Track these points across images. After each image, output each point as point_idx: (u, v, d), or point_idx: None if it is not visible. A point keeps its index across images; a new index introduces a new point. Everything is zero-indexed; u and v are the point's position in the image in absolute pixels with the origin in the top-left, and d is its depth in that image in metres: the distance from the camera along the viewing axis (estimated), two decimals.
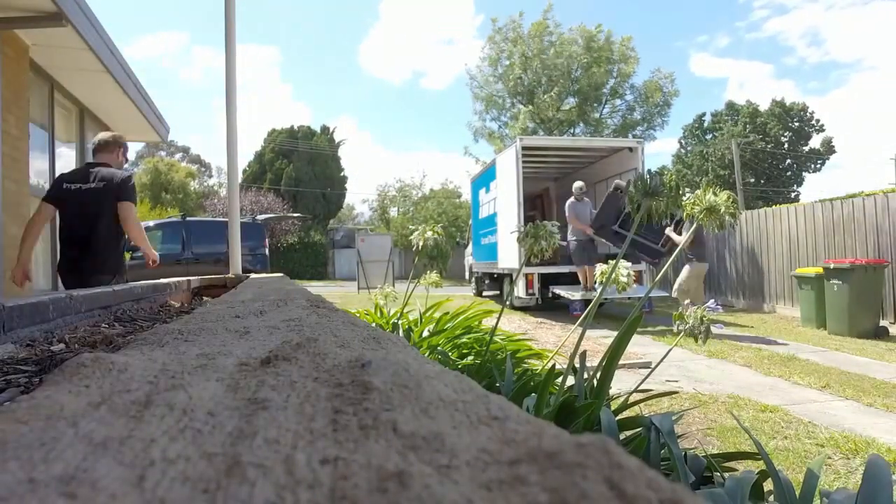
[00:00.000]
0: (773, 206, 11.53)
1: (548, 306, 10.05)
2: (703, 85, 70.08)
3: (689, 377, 4.94)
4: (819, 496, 1.34)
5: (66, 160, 6.01)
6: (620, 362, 2.64)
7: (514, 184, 9.51)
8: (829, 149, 33.63)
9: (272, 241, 23.87)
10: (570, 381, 2.02)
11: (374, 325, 1.63)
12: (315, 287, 14.59)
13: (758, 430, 3.43)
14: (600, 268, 2.46)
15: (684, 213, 2.10)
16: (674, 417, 1.74)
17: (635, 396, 2.22)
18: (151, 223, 12.27)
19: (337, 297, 12.03)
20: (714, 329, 2.15)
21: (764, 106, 33.78)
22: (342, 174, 32.89)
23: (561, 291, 9.14)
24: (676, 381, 4.73)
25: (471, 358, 2.97)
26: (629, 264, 2.48)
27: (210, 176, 41.73)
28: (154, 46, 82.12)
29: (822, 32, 74.77)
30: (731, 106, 35.38)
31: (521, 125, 22.11)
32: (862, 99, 76.26)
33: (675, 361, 5.39)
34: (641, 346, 6.22)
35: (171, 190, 34.42)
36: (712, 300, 2.27)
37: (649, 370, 2.32)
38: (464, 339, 3.23)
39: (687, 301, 7.45)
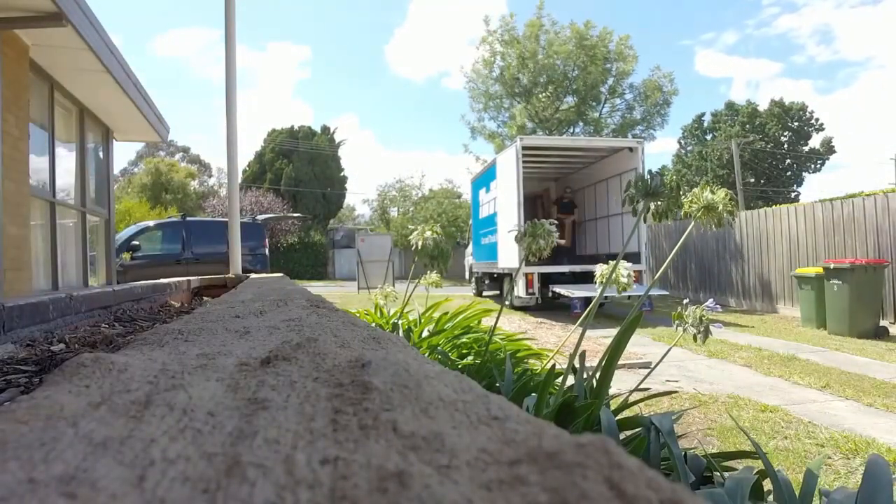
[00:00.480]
0: (773, 206, 11.53)
1: (548, 306, 10.05)
2: (710, 84, 69.87)
3: (689, 377, 4.94)
4: (819, 496, 1.34)
5: (66, 160, 6.01)
6: (620, 362, 2.64)
7: (514, 184, 9.51)
8: (828, 149, 33.64)
9: (272, 241, 23.90)
10: (570, 381, 2.02)
11: (374, 325, 1.63)
12: (315, 287, 14.59)
13: (758, 430, 3.43)
14: (600, 268, 2.45)
15: (683, 213, 2.09)
16: (674, 417, 1.74)
17: (635, 396, 2.22)
18: (151, 223, 12.28)
19: (337, 297, 12.03)
20: (713, 329, 2.15)
21: (764, 105, 33.82)
22: (342, 174, 32.90)
23: (561, 290, 9.14)
24: (676, 381, 4.73)
25: (471, 358, 2.97)
26: (629, 264, 2.48)
27: (210, 176, 41.76)
28: (183, 43, 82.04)
29: (834, 30, 74.49)
30: (730, 106, 35.38)
31: (519, 124, 22.10)
32: (867, 98, 76.15)
33: (675, 361, 5.39)
34: (641, 346, 6.22)
35: (172, 190, 34.43)
36: (710, 300, 2.27)
37: (649, 370, 2.32)
38: (463, 339, 3.23)
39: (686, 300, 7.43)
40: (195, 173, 39.65)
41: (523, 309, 10.13)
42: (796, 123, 33.21)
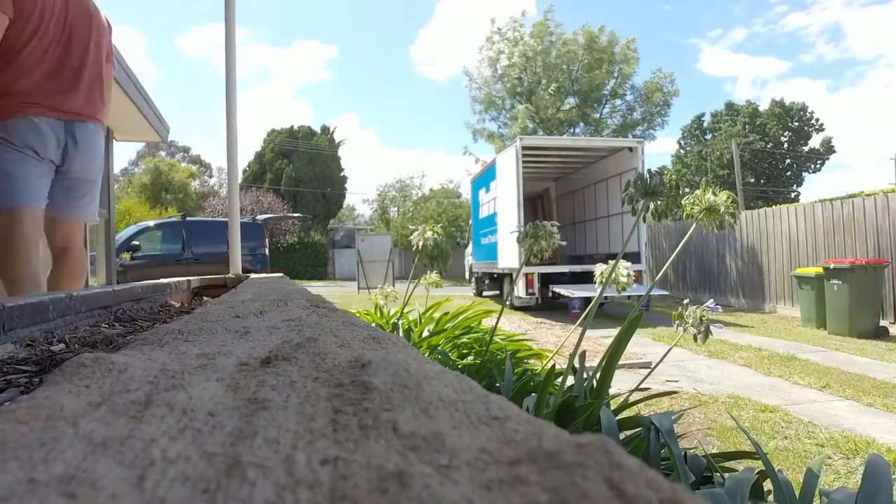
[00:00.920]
0: (773, 206, 11.54)
1: (548, 306, 10.06)
2: (715, 82, 69.66)
3: (689, 377, 4.94)
4: (819, 496, 1.34)
5: None
6: (620, 362, 2.64)
7: (514, 184, 9.51)
8: (828, 149, 33.66)
9: (272, 241, 23.90)
10: (570, 381, 2.02)
11: (374, 325, 1.63)
12: (315, 287, 14.60)
13: (758, 430, 3.43)
14: (600, 268, 2.45)
15: (684, 214, 2.09)
16: (674, 417, 1.74)
17: (635, 396, 2.22)
18: (151, 223, 12.28)
19: (337, 297, 12.03)
20: (714, 329, 2.15)
21: (765, 105, 33.84)
22: (342, 174, 32.92)
23: (561, 290, 9.15)
24: (676, 381, 4.73)
25: (471, 358, 2.97)
26: (629, 264, 2.48)
27: (210, 176, 41.78)
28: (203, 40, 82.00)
29: (844, 28, 74.27)
30: (730, 106, 35.38)
31: (521, 124, 22.12)
32: (871, 98, 76.11)
33: (675, 361, 5.39)
34: (641, 346, 6.22)
35: (172, 190, 34.46)
36: (711, 300, 2.27)
37: (649, 370, 2.32)
38: (464, 339, 3.23)
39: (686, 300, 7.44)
40: (196, 173, 39.69)
41: (523, 309, 10.13)
42: (796, 123, 33.23)
